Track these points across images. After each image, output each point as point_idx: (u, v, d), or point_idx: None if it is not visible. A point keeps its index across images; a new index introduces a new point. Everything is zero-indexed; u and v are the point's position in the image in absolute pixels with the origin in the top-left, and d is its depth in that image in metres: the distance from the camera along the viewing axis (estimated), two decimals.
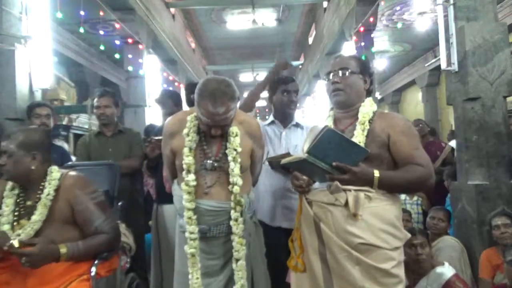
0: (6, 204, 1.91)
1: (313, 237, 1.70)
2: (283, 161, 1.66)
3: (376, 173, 1.63)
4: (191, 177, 1.82)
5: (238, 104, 1.88)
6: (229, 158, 1.85)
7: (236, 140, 1.87)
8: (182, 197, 1.84)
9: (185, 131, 1.88)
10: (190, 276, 1.83)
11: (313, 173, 1.69)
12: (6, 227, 1.88)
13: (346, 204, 1.61)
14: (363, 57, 1.99)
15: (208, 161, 1.87)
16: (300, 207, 1.80)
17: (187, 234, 1.83)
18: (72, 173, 2.05)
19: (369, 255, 1.60)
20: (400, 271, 1.67)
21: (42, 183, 1.95)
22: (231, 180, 1.84)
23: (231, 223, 1.83)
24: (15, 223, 1.90)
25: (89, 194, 1.98)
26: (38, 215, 1.88)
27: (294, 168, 1.78)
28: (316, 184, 1.83)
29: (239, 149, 1.86)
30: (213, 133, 1.82)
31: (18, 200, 1.94)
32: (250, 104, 2.76)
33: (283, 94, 2.60)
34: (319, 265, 1.68)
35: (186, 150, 1.85)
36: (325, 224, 1.66)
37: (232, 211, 1.83)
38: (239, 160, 1.85)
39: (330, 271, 1.65)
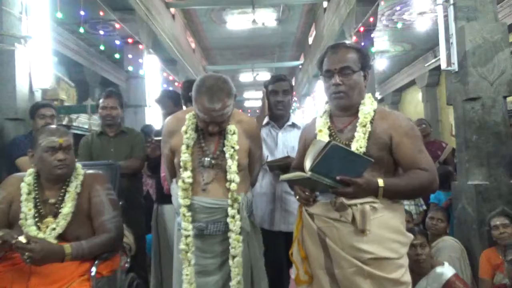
0: (27, 207, 1.94)
1: (319, 251, 1.64)
2: (282, 177, 1.63)
3: (381, 183, 1.56)
4: (187, 174, 1.83)
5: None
6: (227, 155, 1.86)
7: (234, 138, 1.88)
8: (178, 194, 1.85)
9: (183, 128, 1.90)
10: (182, 272, 1.84)
11: (315, 187, 1.65)
12: (32, 229, 1.90)
13: (353, 220, 1.55)
14: (363, 49, 1.86)
15: (206, 159, 1.88)
16: (300, 218, 1.74)
17: (183, 231, 1.83)
18: (92, 171, 2.15)
19: (379, 266, 1.56)
20: (408, 277, 1.64)
21: (68, 180, 2.03)
22: (228, 177, 1.84)
23: (228, 220, 1.83)
24: (39, 224, 1.93)
25: (106, 189, 2.08)
26: (69, 208, 1.95)
27: (294, 183, 1.74)
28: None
29: (237, 147, 1.87)
30: (210, 129, 1.83)
31: (37, 202, 1.97)
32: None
33: (271, 94, 2.54)
34: (327, 280, 1.63)
35: (183, 147, 1.86)
36: (331, 239, 1.60)
37: (229, 208, 1.83)
38: (236, 157, 1.86)
39: (338, 285, 1.60)
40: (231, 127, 1.90)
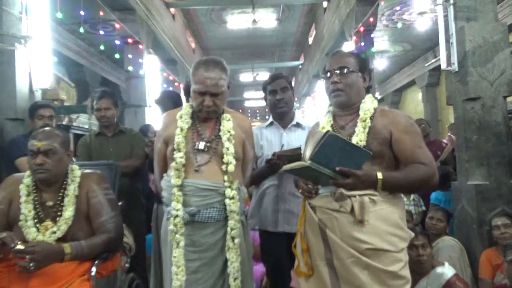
0: (27, 209, 1.93)
1: (319, 243, 1.67)
2: (285, 167, 1.64)
3: (380, 175, 1.60)
4: (180, 154, 1.83)
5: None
6: (224, 138, 1.88)
7: (230, 123, 1.93)
8: (170, 181, 1.82)
9: (179, 114, 1.94)
10: (172, 252, 1.79)
11: (316, 179, 1.67)
12: (32, 230, 1.90)
13: (352, 210, 1.58)
14: (362, 55, 1.93)
15: (201, 142, 1.89)
16: (304, 211, 1.77)
17: (172, 211, 1.79)
18: (89, 170, 2.12)
19: (377, 258, 1.58)
20: (407, 272, 1.66)
21: (64, 182, 1.99)
22: (225, 159, 1.84)
23: (227, 201, 1.81)
24: (37, 225, 1.92)
25: (104, 189, 2.06)
26: (70, 211, 1.94)
27: (296, 174, 1.77)
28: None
29: (233, 132, 1.90)
30: (206, 103, 1.86)
31: (36, 205, 1.96)
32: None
33: (270, 94, 2.55)
34: (326, 271, 1.65)
35: (178, 130, 1.88)
36: (330, 230, 1.63)
37: (228, 190, 1.82)
38: (233, 141, 1.88)
39: (337, 276, 1.62)
40: (227, 115, 1.95)
